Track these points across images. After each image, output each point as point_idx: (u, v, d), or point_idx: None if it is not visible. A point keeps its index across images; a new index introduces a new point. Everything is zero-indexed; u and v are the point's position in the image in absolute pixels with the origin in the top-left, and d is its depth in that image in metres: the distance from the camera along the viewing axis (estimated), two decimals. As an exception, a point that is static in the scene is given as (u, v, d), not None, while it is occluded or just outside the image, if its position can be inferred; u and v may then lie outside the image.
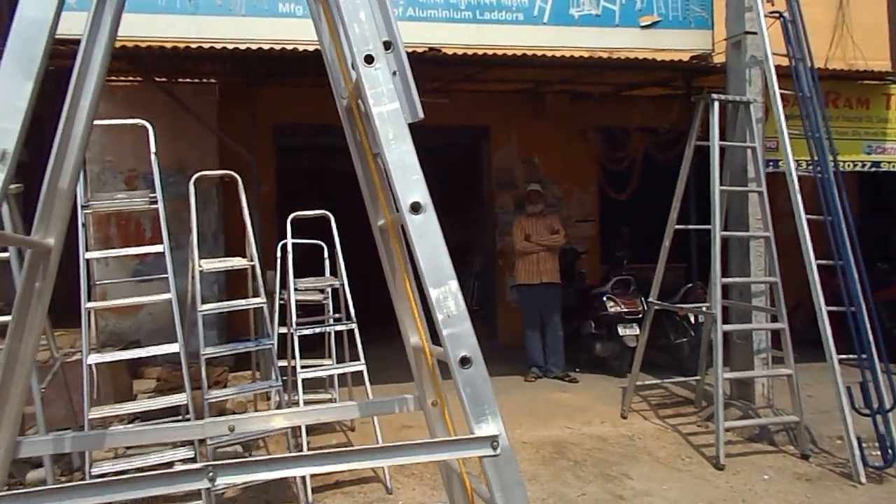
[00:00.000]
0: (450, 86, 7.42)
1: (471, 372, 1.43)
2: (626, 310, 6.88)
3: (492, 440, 1.38)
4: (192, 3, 5.20)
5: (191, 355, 4.27)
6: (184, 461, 3.70)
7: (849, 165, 6.72)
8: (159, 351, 3.99)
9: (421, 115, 1.56)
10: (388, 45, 1.55)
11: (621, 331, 6.87)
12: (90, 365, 3.85)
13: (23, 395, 1.73)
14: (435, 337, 1.54)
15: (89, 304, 3.90)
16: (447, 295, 1.45)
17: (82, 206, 3.92)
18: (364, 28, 1.52)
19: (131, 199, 4.23)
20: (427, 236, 1.45)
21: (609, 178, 9.15)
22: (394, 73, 1.53)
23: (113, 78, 7.02)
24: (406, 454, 1.43)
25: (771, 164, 6.22)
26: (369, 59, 1.49)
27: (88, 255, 3.89)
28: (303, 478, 4.11)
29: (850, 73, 6.68)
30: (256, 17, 5.35)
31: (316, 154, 10.36)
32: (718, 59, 6.19)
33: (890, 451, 4.65)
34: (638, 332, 6.59)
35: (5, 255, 3.81)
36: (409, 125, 1.52)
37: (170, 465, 3.65)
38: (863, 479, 4.55)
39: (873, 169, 6.82)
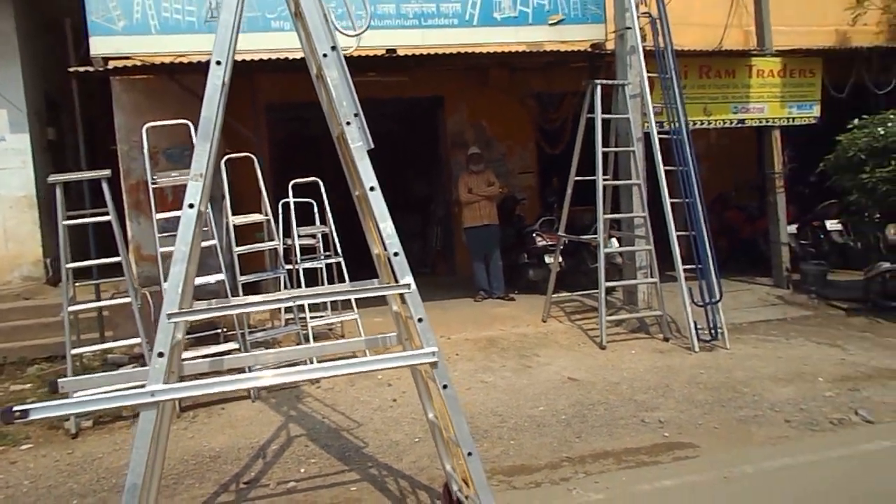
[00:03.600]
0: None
1: (399, 259, 3.31)
2: (550, 243, 8.83)
3: (408, 286, 3.27)
4: (208, 25, 6.91)
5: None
6: (234, 349, 5.65)
7: (720, 123, 8.66)
8: (208, 280, 5.84)
9: (372, 145, 3.40)
10: (356, 115, 3.38)
11: (547, 259, 8.83)
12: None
13: (191, 292, 3.60)
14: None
15: (164, 249, 5.75)
16: (387, 226, 3.31)
17: (151, 182, 5.73)
18: (345, 107, 3.35)
19: (181, 175, 6.02)
20: (377, 201, 3.31)
21: (545, 135, 10.99)
22: (359, 128, 3.37)
23: (132, 76, 8.65)
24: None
25: (660, 124, 8.07)
26: (349, 123, 3.33)
27: (159, 215, 5.72)
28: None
29: (716, 52, 8.51)
30: (255, 32, 7.03)
31: (301, 125, 12.07)
32: (611, 45, 8.00)
33: (714, 329, 6.72)
34: (561, 259, 8.55)
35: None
36: (370, 149, 3.37)
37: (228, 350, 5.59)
38: (696, 349, 6.63)
39: (739, 125, 8.74)
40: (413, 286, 3.28)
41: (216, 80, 3.26)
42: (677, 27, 9.77)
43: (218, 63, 3.25)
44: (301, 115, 10.99)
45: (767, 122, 8.74)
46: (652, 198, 7.43)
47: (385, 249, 3.40)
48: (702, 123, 8.36)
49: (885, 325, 7.46)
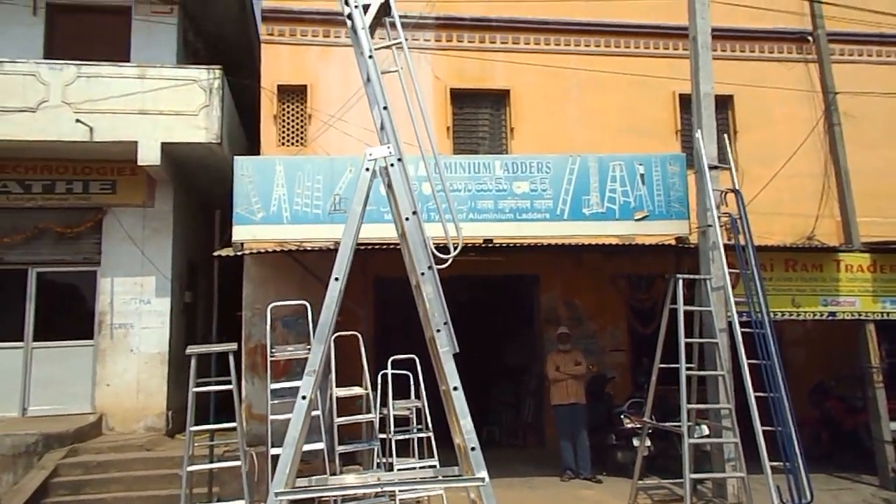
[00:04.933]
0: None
1: (476, 454, 3.75)
2: (638, 426, 8.88)
3: (482, 479, 3.68)
4: (330, 216, 8.05)
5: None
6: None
7: (809, 315, 8.74)
8: (312, 447, 6.40)
9: (457, 349, 3.97)
10: (445, 323, 4.00)
11: (635, 442, 8.85)
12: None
13: (297, 467, 4.15)
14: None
15: (273, 417, 6.40)
16: (466, 422, 3.79)
17: (270, 355, 6.53)
18: (436, 317, 3.98)
19: (296, 349, 6.82)
20: (459, 400, 3.82)
21: (636, 315, 11.31)
22: (448, 335, 3.96)
23: (262, 251, 9.90)
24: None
25: (744, 314, 8.26)
26: (439, 331, 3.94)
27: (273, 385, 6.45)
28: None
29: (800, 248, 8.80)
30: (372, 223, 8.08)
31: (405, 295, 13.00)
32: (695, 238, 8.48)
33: (807, 531, 6.50)
34: (649, 443, 8.57)
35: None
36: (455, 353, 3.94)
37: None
38: (788, 553, 6.40)
39: (830, 318, 8.77)
40: (486, 479, 3.69)
41: (333, 293, 4.00)
42: (767, 217, 10.24)
43: (336, 279, 4.01)
44: (405, 286, 11.93)
45: (860, 315, 8.75)
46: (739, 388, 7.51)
47: (464, 442, 3.86)
48: (790, 315, 8.50)
49: None
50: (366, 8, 4.50)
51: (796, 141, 11.29)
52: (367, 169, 4.17)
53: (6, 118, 9.58)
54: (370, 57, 4.37)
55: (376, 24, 4.67)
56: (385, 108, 4.32)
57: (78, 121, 9.63)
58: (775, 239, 9.84)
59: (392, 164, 4.20)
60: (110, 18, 11.48)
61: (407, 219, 4.16)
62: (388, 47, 4.55)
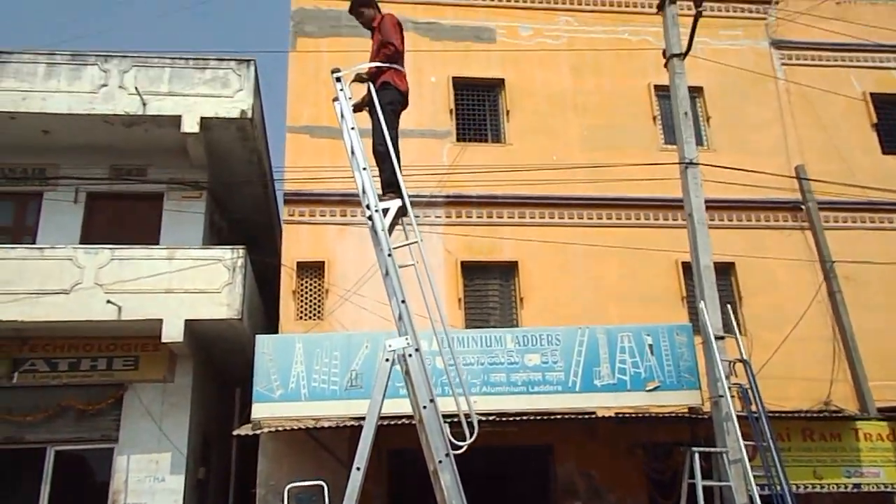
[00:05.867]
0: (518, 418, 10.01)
1: None
2: None
3: None
4: (346, 392, 8.24)
5: None
6: None
7: (833, 487, 8.55)
8: None
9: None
10: None
11: None
12: None
13: None
14: None
15: None
16: None
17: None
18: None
19: (312, 534, 6.74)
20: None
21: (656, 485, 11.01)
22: None
23: (280, 429, 9.96)
24: None
25: (765, 487, 8.12)
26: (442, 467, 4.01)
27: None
28: None
29: (814, 416, 8.80)
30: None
31: (419, 468, 12.76)
32: (708, 407, 8.52)
33: None
34: None
35: None
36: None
37: None
38: None
39: (855, 490, 8.58)
40: None
41: (356, 482, 4.16)
42: (782, 381, 10.28)
43: (358, 469, 4.15)
44: (418, 456, 11.76)
45: (886, 487, 8.55)
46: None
47: None
48: (813, 487, 8.34)
49: None
50: (385, 211, 5.00)
51: (802, 305, 11.55)
52: (387, 360, 4.45)
53: (41, 300, 10.07)
54: (389, 255, 4.79)
55: (394, 224, 5.15)
56: (403, 301, 4.67)
57: (109, 301, 10.10)
58: (791, 404, 9.82)
59: (410, 355, 4.48)
60: (144, 204, 12.33)
61: (424, 407, 4.37)
62: (405, 245, 4.99)
